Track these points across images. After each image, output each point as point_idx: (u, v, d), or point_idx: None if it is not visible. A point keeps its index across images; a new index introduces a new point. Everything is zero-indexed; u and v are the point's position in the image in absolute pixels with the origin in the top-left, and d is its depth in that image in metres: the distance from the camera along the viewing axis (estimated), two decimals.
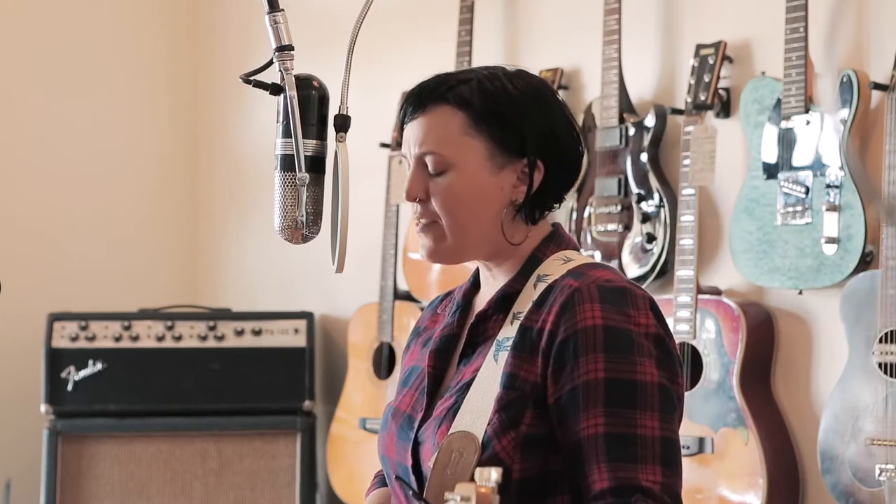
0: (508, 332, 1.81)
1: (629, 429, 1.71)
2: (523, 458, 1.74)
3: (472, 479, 1.70)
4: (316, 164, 1.76)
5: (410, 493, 1.81)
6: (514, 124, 1.82)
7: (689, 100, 3.31)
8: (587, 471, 1.71)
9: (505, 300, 1.84)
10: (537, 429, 1.74)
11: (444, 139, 1.82)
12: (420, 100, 1.85)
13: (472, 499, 1.41)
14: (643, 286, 3.44)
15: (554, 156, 1.84)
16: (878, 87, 3.00)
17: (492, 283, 1.89)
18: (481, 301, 1.91)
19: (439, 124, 1.83)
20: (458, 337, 1.89)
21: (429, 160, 1.83)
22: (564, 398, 1.73)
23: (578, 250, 1.89)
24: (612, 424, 1.71)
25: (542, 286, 1.81)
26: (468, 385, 1.80)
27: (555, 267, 1.84)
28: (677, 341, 3.22)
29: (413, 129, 1.85)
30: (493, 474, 1.42)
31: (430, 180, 1.83)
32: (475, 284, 1.94)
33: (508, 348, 1.78)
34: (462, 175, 1.82)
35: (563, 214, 3.58)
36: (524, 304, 1.82)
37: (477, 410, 1.76)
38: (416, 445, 1.83)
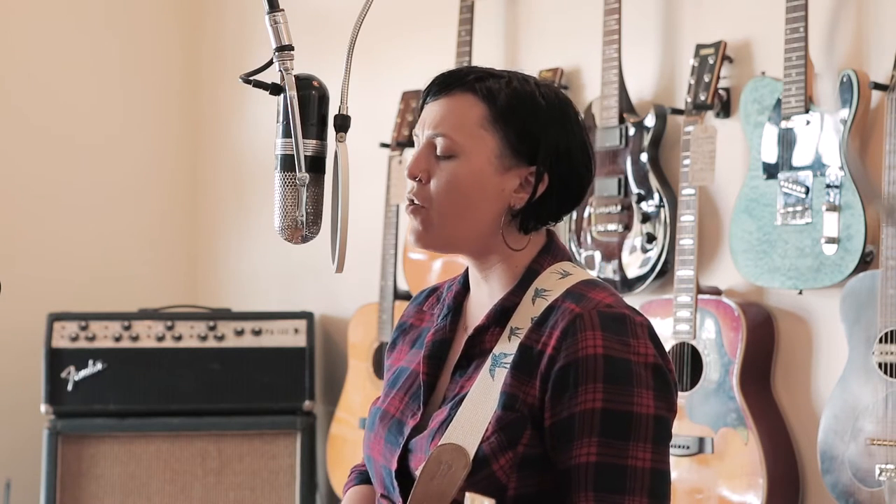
0: (506, 347, 1.80)
1: (620, 460, 1.71)
2: (519, 478, 1.74)
3: (460, 493, 1.70)
4: (316, 164, 1.76)
5: None
6: (531, 131, 1.82)
7: (689, 100, 3.31)
8: (575, 498, 1.72)
9: (503, 313, 1.83)
10: (534, 449, 1.75)
11: (461, 126, 1.82)
12: (446, 83, 1.85)
13: None
14: (643, 287, 3.45)
15: (562, 173, 1.84)
16: (878, 87, 3.00)
17: (483, 287, 1.88)
18: (473, 306, 1.90)
19: (459, 110, 1.83)
20: (451, 342, 1.89)
21: (439, 142, 1.82)
22: (560, 424, 1.73)
23: (572, 260, 1.89)
24: (603, 455, 1.71)
25: (540, 302, 1.81)
26: (463, 399, 1.80)
27: (552, 281, 1.83)
28: (677, 342, 3.25)
29: (431, 110, 1.85)
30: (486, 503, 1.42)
31: (434, 163, 1.83)
32: (465, 286, 1.93)
33: (507, 365, 1.78)
34: (467, 164, 1.81)
35: None
36: (522, 318, 1.81)
37: (469, 425, 1.76)
38: (406, 452, 1.83)
